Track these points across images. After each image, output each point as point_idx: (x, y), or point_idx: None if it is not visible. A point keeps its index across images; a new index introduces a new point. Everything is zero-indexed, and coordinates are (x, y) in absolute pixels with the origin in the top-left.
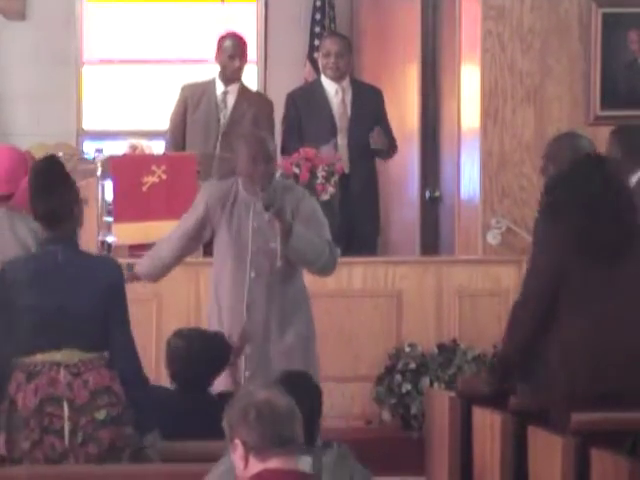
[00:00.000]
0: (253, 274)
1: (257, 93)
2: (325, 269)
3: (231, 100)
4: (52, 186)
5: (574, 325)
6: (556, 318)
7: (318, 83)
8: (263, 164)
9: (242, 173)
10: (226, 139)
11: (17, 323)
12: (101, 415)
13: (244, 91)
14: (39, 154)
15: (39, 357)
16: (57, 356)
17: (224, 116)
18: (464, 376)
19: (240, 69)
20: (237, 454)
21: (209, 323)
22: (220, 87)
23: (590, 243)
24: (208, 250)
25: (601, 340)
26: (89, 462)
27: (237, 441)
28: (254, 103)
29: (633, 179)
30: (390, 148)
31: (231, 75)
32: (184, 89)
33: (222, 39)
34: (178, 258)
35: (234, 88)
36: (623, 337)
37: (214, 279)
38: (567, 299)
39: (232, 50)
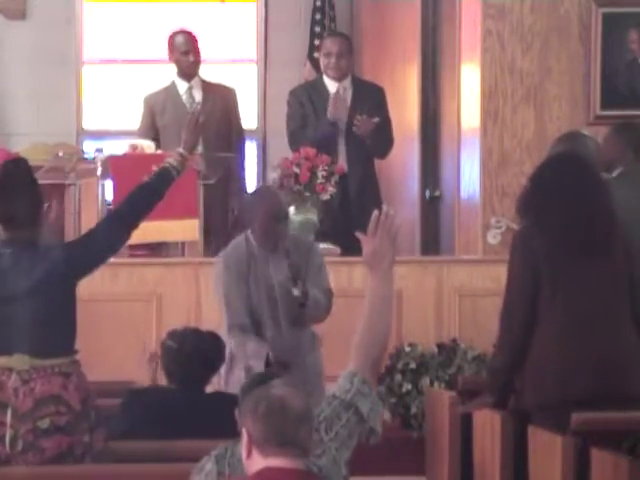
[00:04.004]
0: (285, 324)
1: (219, 84)
2: (323, 319)
3: (197, 94)
4: (15, 189)
5: (546, 330)
6: (535, 322)
7: (320, 81)
8: (282, 222)
9: (259, 231)
10: (204, 134)
11: None
12: (44, 424)
13: (207, 84)
14: (39, 154)
15: None
16: (9, 361)
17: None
18: (464, 375)
19: (195, 63)
20: (244, 441)
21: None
22: (182, 85)
23: (567, 243)
24: (209, 250)
25: (570, 346)
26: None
27: (244, 429)
28: (220, 94)
29: (614, 173)
30: (387, 146)
31: (188, 70)
32: (147, 99)
33: (172, 37)
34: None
35: (196, 82)
36: (594, 342)
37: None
38: (543, 301)
39: (185, 46)
